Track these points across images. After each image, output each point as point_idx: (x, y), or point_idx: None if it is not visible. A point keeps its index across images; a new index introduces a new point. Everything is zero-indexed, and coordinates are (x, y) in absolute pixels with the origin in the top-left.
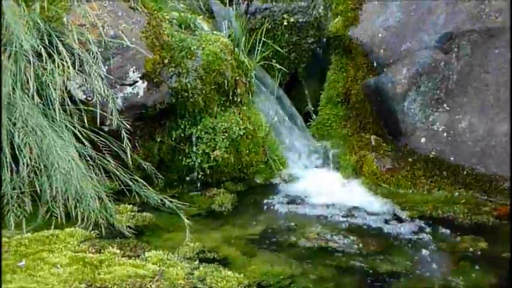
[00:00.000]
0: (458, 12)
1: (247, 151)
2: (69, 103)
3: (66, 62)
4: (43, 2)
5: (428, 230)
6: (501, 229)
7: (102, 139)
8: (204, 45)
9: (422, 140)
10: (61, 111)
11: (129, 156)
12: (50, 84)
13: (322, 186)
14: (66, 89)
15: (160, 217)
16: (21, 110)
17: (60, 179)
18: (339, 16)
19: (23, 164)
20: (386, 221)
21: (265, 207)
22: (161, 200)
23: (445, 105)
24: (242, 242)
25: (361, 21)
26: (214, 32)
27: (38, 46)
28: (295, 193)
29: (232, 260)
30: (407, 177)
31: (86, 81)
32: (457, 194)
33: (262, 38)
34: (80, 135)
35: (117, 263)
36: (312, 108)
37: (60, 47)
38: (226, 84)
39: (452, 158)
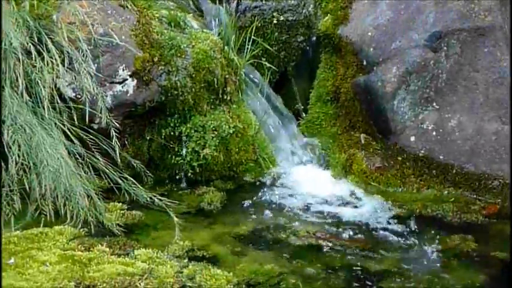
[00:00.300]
0: (448, 11)
1: (237, 149)
2: (59, 101)
3: (55, 59)
4: (33, 0)
5: (417, 228)
6: (490, 228)
7: (92, 137)
8: (193, 44)
9: (412, 138)
10: (50, 109)
11: (118, 154)
12: (39, 82)
13: (312, 185)
14: (55, 86)
15: (150, 215)
16: (10, 107)
17: (49, 176)
18: (328, 15)
19: (12, 161)
20: (375, 220)
21: (255, 205)
22: (150, 198)
23: (434, 104)
24: (231, 240)
25: (351, 20)
26: (204, 30)
27: (28, 44)
28: (284, 191)
29: (221, 258)
30: (397, 176)
31: (75, 79)
32: (446, 192)
33: (252, 36)
34: (69, 133)
35: (106, 261)
36: (302, 107)
37: (50, 45)
38: (216, 82)
39: (441, 157)
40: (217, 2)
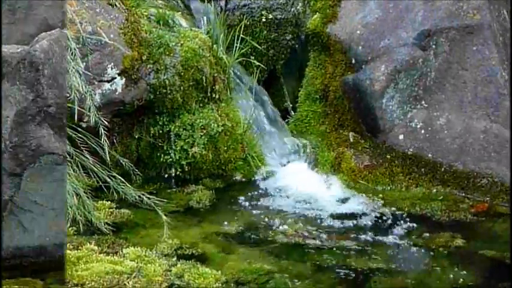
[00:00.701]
0: (436, 9)
1: (226, 148)
2: None
3: None
4: None
5: (406, 226)
6: (478, 226)
7: (80, 135)
8: (182, 42)
9: (401, 136)
10: None
11: (107, 152)
12: None
13: (300, 183)
14: None
15: (138, 214)
16: None
17: None
18: (317, 13)
19: None
20: (364, 218)
21: (243, 203)
22: (139, 196)
23: (423, 102)
24: (220, 238)
25: (340, 18)
26: (193, 29)
27: None
28: (273, 190)
29: (210, 257)
30: (386, 174)
31: None
32: (434, 190)
33: (241, 35)
34: None
35: (95, 259)
36: (291, 105)
37: None
38: (204, 80)
39: (430, 155)
40: (205, 0)
